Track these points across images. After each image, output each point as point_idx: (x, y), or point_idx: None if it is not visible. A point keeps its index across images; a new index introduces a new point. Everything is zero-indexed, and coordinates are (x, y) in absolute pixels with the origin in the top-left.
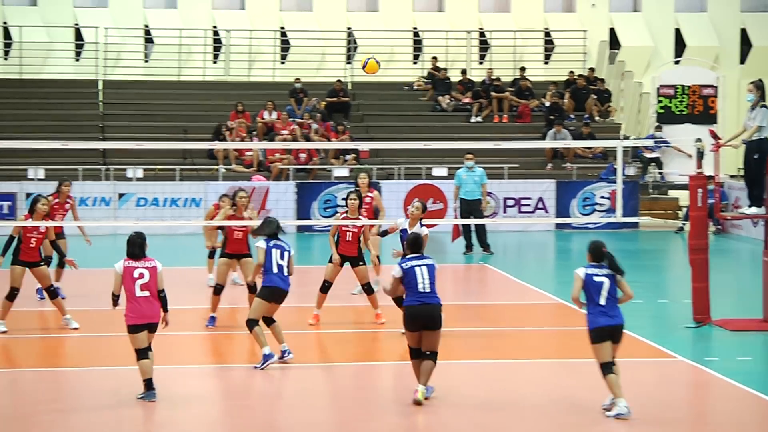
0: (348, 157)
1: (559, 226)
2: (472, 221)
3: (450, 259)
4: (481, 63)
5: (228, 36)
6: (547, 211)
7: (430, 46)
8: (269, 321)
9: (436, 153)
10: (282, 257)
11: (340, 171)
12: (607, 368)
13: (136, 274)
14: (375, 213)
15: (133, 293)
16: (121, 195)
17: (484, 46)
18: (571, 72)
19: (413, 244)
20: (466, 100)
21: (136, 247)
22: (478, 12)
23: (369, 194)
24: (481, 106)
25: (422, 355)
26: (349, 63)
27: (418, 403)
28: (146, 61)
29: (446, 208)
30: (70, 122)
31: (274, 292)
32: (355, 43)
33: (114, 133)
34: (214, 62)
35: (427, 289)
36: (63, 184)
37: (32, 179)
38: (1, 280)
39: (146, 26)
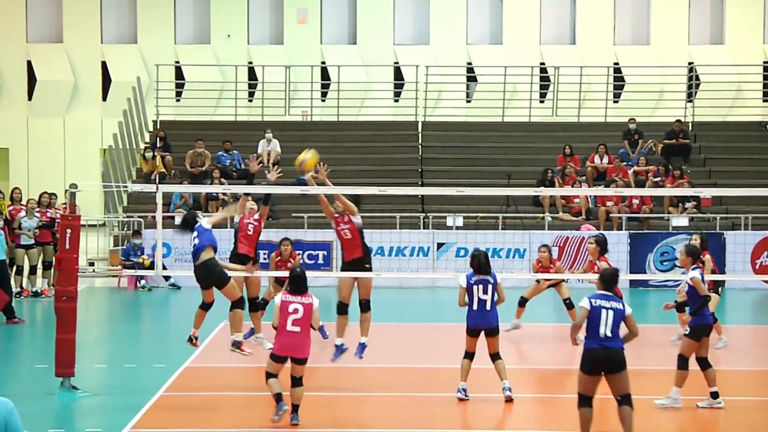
0: (688, 205)
1: None
2: None
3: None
4: None
5: (556, 73)
6: None
7: None
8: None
9: None
10: (485, 292)
11: (679, 220)
12: None
13: (291, 309)
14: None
15: (284, 326)
16: (440, 245)
17: None
18: None
19: (609, 281)
20: None
21: (300, 282)
22: None
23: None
24: None
25: (618, 402)
26: (689, 101)
27: None
28: (468, 101)
29: None
30: (387, 166)
31: (468, 328)
32: (698, 78)
33: (433, 178)
34: (541, 101)
35: (609, 334)
36: (283, 244)
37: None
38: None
39: (469, 64)
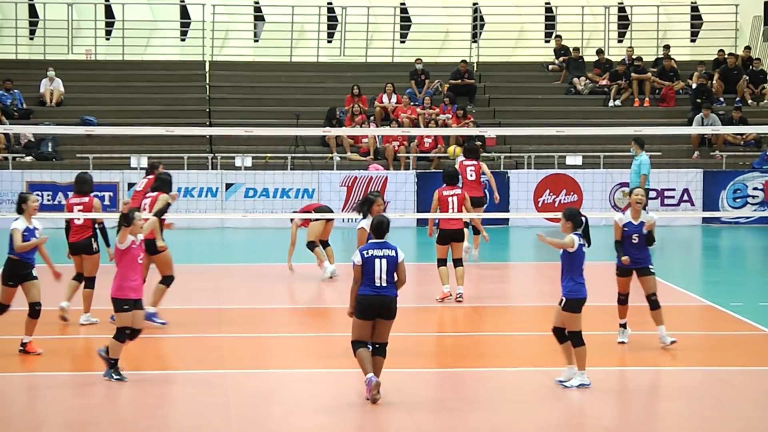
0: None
1: (706, 220)
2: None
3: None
4: (620, 41)
5: (344, 13)
6: (693, 204)
7: (564, 22)
8: None
9: (570, 140)
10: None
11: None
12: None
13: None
14: None
15: None
16: (228, 185)
17: (623, 22)
18: (721, 50)
19: (377, 229)
20: (604, 82)
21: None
22: None
23: None
24: (620, 89)
25: (374, 350)
26: (474, 42)
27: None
28: (256, 41)
29: (581, 200)
30: (174, 107)
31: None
32: (482, 20)
33: (221, 119)
34: (329, 41)
35: (384, 284)
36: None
37: (135, 168)
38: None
39: (256, 2)
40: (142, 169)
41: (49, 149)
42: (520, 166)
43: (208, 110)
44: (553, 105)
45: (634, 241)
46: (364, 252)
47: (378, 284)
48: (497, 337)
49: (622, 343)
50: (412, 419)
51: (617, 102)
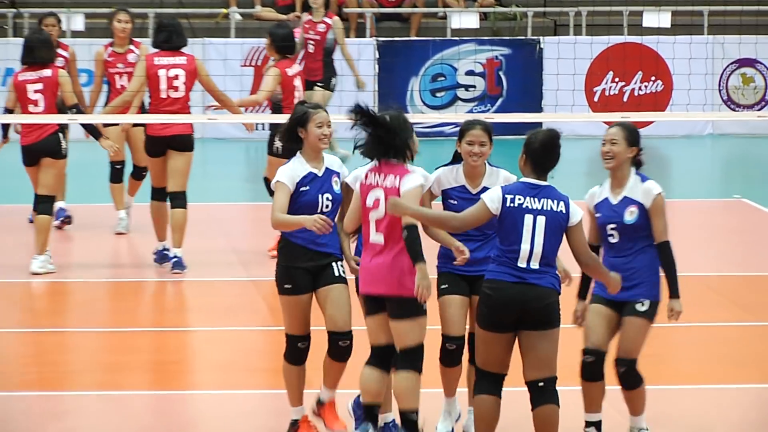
0: None
1: None
2: None
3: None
4: None
5: None
6: None
7: None
8: None
9: None
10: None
11: (465, 20)
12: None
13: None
14: None
15: None
16: None
17: None
18: None
19: (543, 156)
20: None
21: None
22: None
23: None
24: None
25: (535, 392)
26: None
27: None
28: None
29: (670, 89)
30: None
31: None
32: None
33: None
34: None
35: (535, 264)
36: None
37: None
38: None
39: None
40: None
41: None
42: (563, 30)
43: None
44: None
45: (610, 239)
46: (508, 196)
47: (522, 264)
48: None
49: None
50: None
51: None
